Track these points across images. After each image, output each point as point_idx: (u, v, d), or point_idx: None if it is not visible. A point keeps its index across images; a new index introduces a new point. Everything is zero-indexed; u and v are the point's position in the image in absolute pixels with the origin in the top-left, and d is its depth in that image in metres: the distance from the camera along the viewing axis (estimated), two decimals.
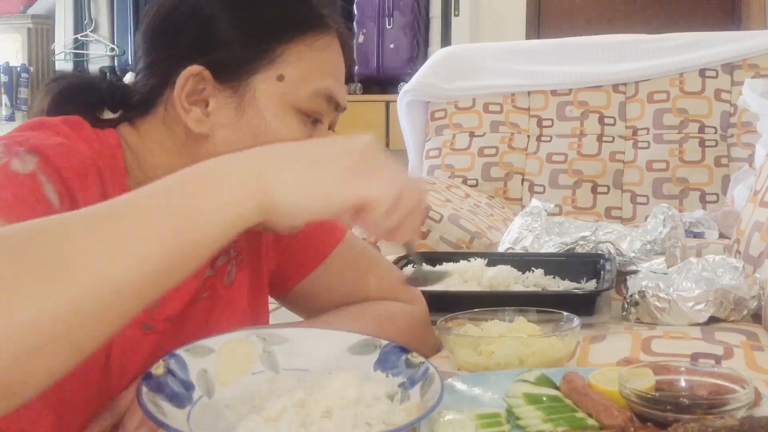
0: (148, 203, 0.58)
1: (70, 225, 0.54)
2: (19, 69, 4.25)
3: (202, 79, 0.85)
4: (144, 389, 0.74)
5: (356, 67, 3.65)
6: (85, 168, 0.80)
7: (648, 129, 2.66)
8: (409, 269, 1.43)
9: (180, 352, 0.81)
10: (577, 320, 1.01)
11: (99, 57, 4.15)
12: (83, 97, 0.91)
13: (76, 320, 0.51)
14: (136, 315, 0.55)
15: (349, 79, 3.74)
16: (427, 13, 3.74)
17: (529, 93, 2.79)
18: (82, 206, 0.65)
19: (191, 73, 0.84)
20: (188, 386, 0.78)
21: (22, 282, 0.50)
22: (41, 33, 4.36)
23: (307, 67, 0.87)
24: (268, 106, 0.86)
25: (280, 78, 0.86)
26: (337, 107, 0.91)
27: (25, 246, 0.52)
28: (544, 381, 0.82)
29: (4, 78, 4.22)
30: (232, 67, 0.86)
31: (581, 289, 1.36)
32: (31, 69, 4.29)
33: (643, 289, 1.25)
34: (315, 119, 0.89)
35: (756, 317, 1.25)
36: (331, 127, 0.94)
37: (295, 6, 0.89)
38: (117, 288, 0.53)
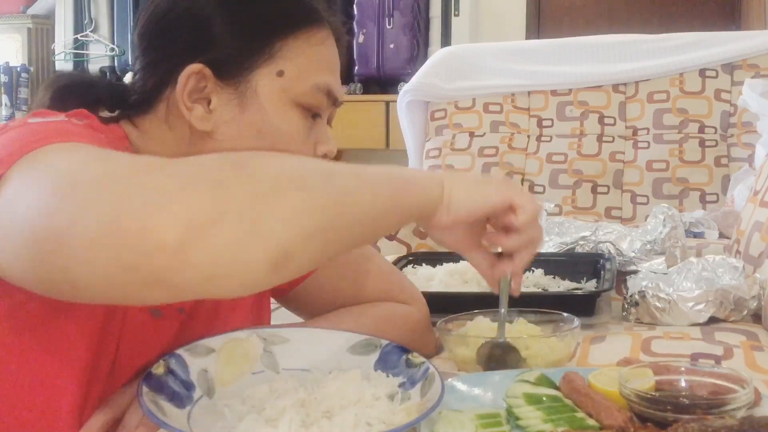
0: (375, 174, 0.74)
1: (329, 163, 0.71)
2: (19, 69, 4.25)
3: (203, 77, 0.85)
4: (144, 389, 0.74)
5: (356, 67, 3.65)
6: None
7: (648, 129, 2.65)
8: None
9: (180, 351, 0.82)
10: (577, 321, 1.01)
11: (99, 57, 4.14)
12: (83, 95, 0.91)
13: (339, 221, 0.65)
14: (365, 240, 0.75)
15: (348, 78, 3.72)
16: (427, 13, 3.73)
17: (529, 93, 2.79)
18: None
19: (192, 72, 0.85)
20: (188, 386, 0.79)
21: (312, 181, 0.64)
22: (41, 33, 4.36)
23: (306, 62, 0.88)
24: (270, 102, 0.87)
25: (280, 73, 0.87)
26: (335, 102, 0.92)
27: (308, 164, 0.68)
28: (544, 381, 0.82)
29: (4, 78, 4.22)
30: (231, 65, 0.86)
31: (581, 289, 1.36)
32: (31, 69, 4.28)
33: (643, 289, 1.25)
34: (314, 114, 0.91)
35: (756, 317, 1.25)
36: (328, 122, 0.95)
37: (290, 1, 0.91)
38: (362, 209, 0.69)
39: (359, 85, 3.66)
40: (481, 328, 1.04)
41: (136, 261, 0.54)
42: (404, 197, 0.75)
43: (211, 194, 0.57)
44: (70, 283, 0.58)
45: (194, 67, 0.85)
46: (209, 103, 0.86)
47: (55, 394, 0.78)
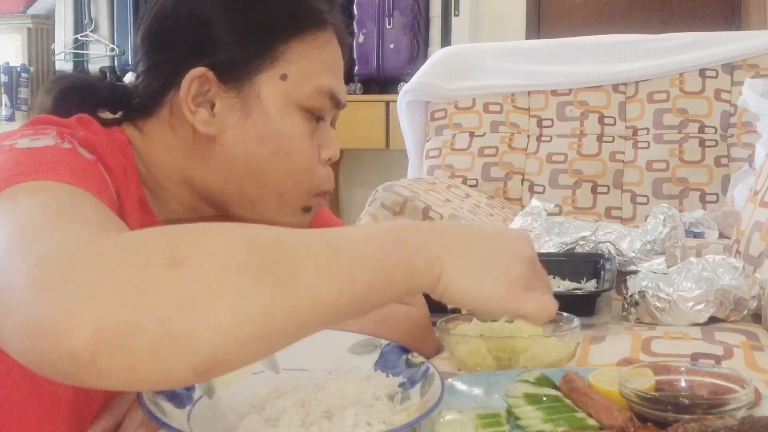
0: (358, 252, 0.63)
1: (299, 244, 0.60)
2: (19, 69, 4.25)
3: (207, 80, 0.85)
4: None
5: (356, 67, 3.65)
6: (100, 173, 0.79)
7: (648, 129, 2.66)
8: None
9: None
10: (577, 321, 1.01)
11: (99, 57, 4.14)
12: (84, 97, 0.91)
13: (287, 323, 0.57)
14: (321, 329, 0.62)
15: (348, 78, 3.72)
16: (427, 13, 3.73)
17: (529, 93, 2.80)
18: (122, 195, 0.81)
19: (196, 75, 0.85)
20: (188, 386, 0.78)
21: (257, 281, 0.55)
22: (41, 33, 4.36)
23: (309, 65, 0.88)
24: (274, 106, 0.87)
25: (284, 77, 0.87)
26: (338, 104, 0.92)
27: (265, 251, 0.58)
28: (544, 381, 0.82)
29: (4, 78, 4.22)
30: (235, 68, 0.86)
31: (581, 289, 1.36)
32: (31, 69, 4.28)
33: (643, 289, 1.25)
34: (318, 117, 0.91)
35: (756, 317, 1.25)
36: (332, 124, 0.95)
37: (294, 4, 0.90)
38: (323, 305, 0.59)
39: (359, 85, 3.67)
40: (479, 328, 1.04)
41: (51, 359, 0.51)
42: (382, 291, 0.64)
43: (134, 298, 0.51)
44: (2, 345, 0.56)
45: (198, 70, 0.85)
46: (213, 106, 0.86)
47: (53, 405, 0.78)
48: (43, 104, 0.91)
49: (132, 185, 0.86)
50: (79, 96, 0.91)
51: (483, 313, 0.79)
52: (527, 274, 0.71)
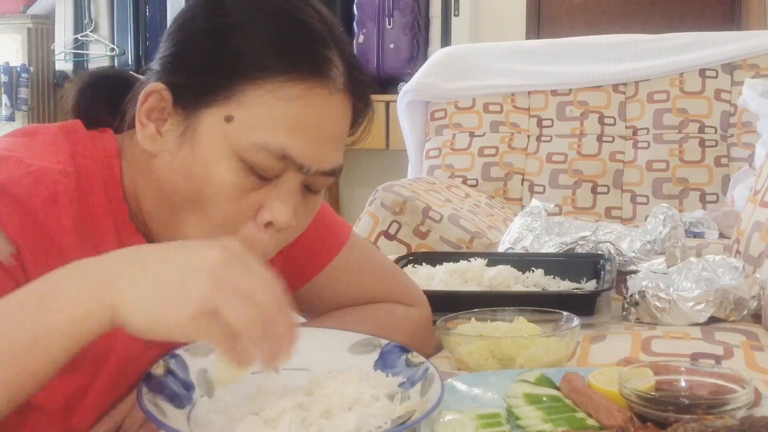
0: None
1: None
2: (19, 69, 4.25)
3: (162, 98, 0.81)
4: (144, 390, 0.74)
5: None
6: (55, 192, 0.78)
7: (648, 129, 2.66)
8: (408, 269, 1.44)
9: (180, 352, 0.82)
10: (576, 320, 1.01)
11: (99, 57, 4.14)
12: (112, 91, 0.90)
13: None
14: None
15: None
16: (427, 13, 3.73)
17: (529, 93, 2.79)
18: (53, 232, 0.76)
19: (152, 90, 0.81)
20: (188, 386, 0.79)
21: None
22: (41, 33, 4.36)
23: (263, 115, 0.78)
24: (206, 145, 0.79)
25: (228, 119, 0.78)
26: (301, 168, 0.80)
27: None
28: (544, 381, 0.82)
29: (4, 78, 4.21)
30: (188, 93, 0.81)
31: (581, 289, 1.36)
32: (31, 69, 4.28)
33: (643, 289, 1.25)
34: (264, 176, 0.80)
35: (756, 317, 1.25)
36: (314, 190, 0.85)
37: (266, 45, 0.80)
38: None
39: None
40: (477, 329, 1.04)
41: None
42: (27, 361, 0.63)
43: None
44: None
45: (155, 85, 0.81)
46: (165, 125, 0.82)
47: (43, 414, 0.78)
48: (65, 100, 0.90)
49: (114, 201, 0.84)
50: (105, 89, 0.90)
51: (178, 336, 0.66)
52: (215, 285, 0.63)
